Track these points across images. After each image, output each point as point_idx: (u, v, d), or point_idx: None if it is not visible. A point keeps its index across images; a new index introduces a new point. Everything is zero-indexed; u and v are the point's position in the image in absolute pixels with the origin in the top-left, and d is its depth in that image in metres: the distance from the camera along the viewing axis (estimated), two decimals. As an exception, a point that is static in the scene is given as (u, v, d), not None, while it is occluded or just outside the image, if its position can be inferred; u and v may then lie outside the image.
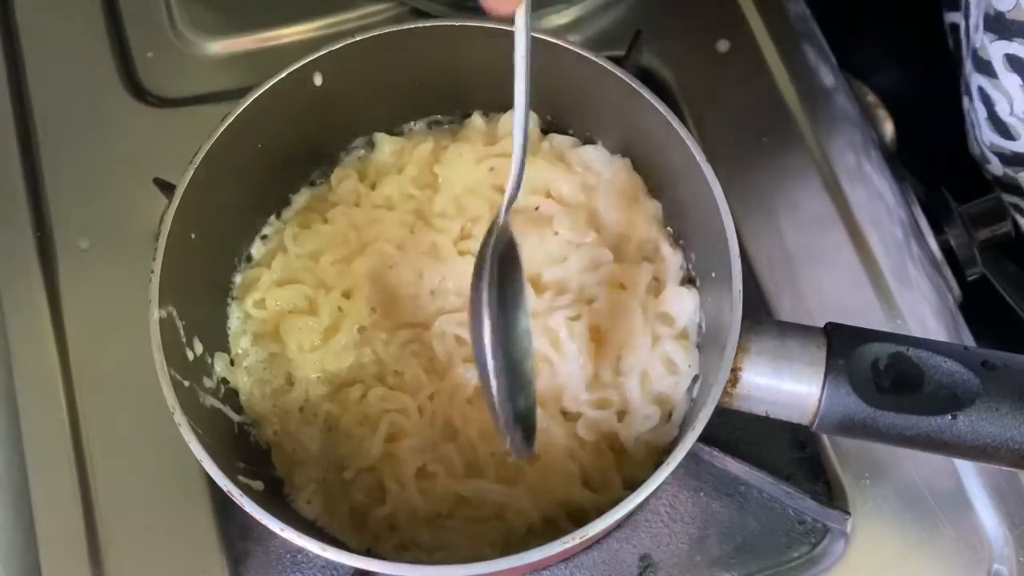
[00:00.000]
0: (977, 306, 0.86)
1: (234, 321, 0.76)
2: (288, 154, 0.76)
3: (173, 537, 0.77)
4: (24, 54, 0.93)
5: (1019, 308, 0.86)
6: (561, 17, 0.94)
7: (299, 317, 0.74)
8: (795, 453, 0.79)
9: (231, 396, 0.73)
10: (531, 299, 0.72)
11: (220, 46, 0.93)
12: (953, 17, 0.91)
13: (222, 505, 0.77)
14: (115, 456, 0.78)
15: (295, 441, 0.72)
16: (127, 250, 0.83)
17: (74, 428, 0.79)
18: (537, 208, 0.77)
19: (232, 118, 0.69)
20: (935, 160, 0.97)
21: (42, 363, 0.81)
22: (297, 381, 0.73)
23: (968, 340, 0.83)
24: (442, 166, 0.78)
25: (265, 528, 0.59)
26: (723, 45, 0.92)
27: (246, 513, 0.61)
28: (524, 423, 0.62)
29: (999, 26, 0.78)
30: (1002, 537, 0.76)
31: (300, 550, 0.76)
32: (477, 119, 0.81)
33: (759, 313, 0.81)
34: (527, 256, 0.74)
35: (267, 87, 0.70)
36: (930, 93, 0.97)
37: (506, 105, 0.80)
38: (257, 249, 0.78)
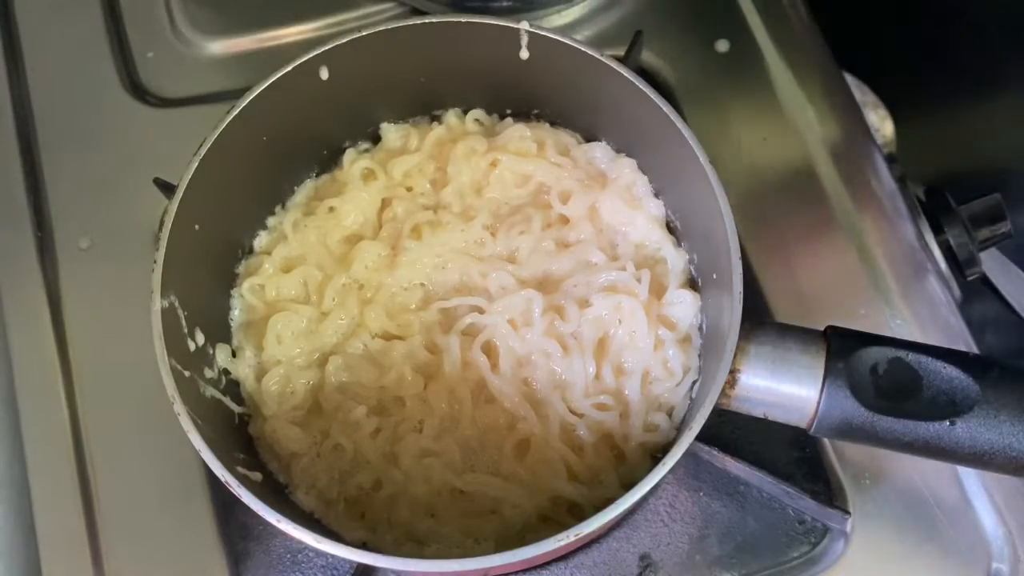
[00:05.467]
0: (977, 306, 0.86)
1: (237, 312, 0.76)
2: (294, 146, 0.77)
3: (173, 537, 0.77)
4: (24, 54, 0.93)
5: (1019, 308, 0.86)
6: (561, 17, 0.94)
7: (294, 305, 0.74)
8: (795, 453, 0.79)
9: (232, 387, 0.73)
10: (536, 299, 0.72)
11: (220, 46, 0.94)
12: None
13: (222, 505, 0.77)
14: (115, 456, 0.79)
15: (285, 427, 0.72)
16: (127, 250, 0.84)
17: (74, 428, 0.80)
18: (540, 206, 0.77)
19: (238, 109, 0.69)
20: (935, 160, 0.97)
21: (42, 363, 0.81)
22: (281, 365, 0.73)
23: (968, 340, 0.83)
24: (448, 160, 0.78)
25: (265, 528, 0.59)
26: (723, 45, 0.92)
27: (246, 513, 0.61)
28: None
29: None
30: (1002, 537, 0.77)
31: (300, 549, 0.76)
32: (480, 114, 0.81)
33: (759, 314, 0.81)
34: (528, 255, 0.75)
35: (274, 79, 0.70)
36: (930, 93, 0.97)
37: (508, 101, 0.80)
38: (260, 240, 0.78)
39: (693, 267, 0.75)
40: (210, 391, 0.70)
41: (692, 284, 0.75)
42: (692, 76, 0.91)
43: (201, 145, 0.68)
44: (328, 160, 0.81)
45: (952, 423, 0.59)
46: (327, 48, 0.71)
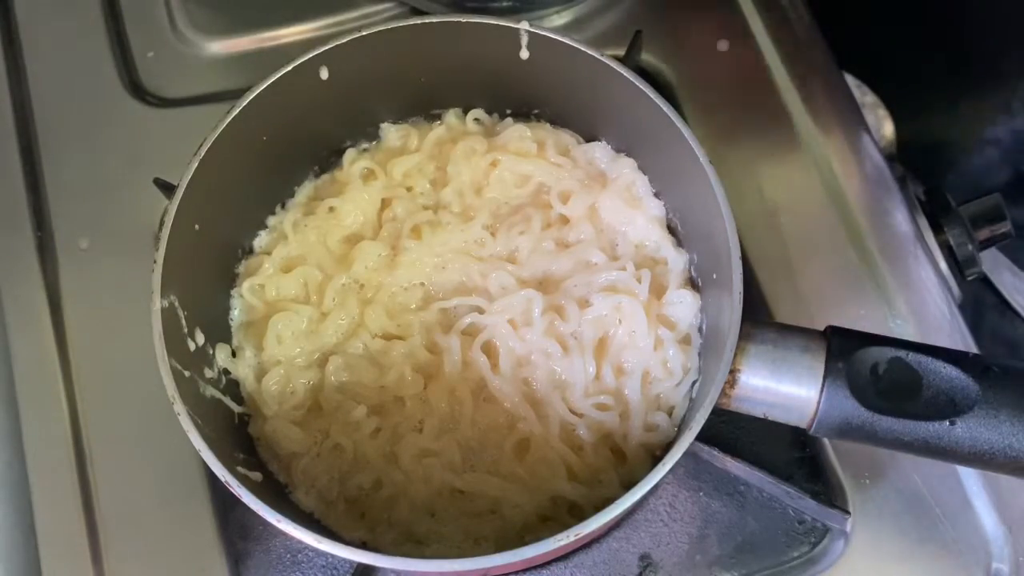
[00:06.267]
0: (977, 306, 0.86)
1: (237, 312, 0.76)
2: (294, 146, 0.77)
3: (173, 537, 0.77)
4: (24, 54, 0.93)
5: (1019, 308, 0.86)
6: (561, 17, 0.94)
7: (294, 305, 0.74)
8: (795, 453, 0.79)
9: (232, 387, 0.73)
10: (535, 299, 0.72)
11: (220, 46, 0.94)
12: None
13: (222, 505, 0.77)
14: (115, 456, 0.79)
15: (285, 427, 0.72)
16: (127, 250, 0.84)
17: (74, 428, 0.80)
18: (539, 206, 0.77)
19: (238, 109, 0.69)
20: (935, 160, 0.97)
21: (42, 363, 0.81)
22: (281, 365, 0.73)
23: (968, 340, 0.83)
24: (448, 160, 0.78)
25: (265, 527, 0.59)
26: (723, 45, 0.92)
27: (246, 513, 0.61)
28: None
29: None
30: (1002, 536, 0.77)
31: (300, 549, 0.76)
32: (481, 114, 0.81)
33: (759, 314, 0.81)
34: (528, 255, 0.75)
35: (274, 79, 0.70)
36: (930, 93, 0.97)
37: (508, 101, 0.80)
38: (260, 240, 0.78)
39: (693, 267, 0.75)
40: (210, 391, 0.70)
41: (692, 284, 0.74)
42: (692, 76, 0.91)
43: (201, 145, 0.68)
44: (328, 160, 0.81)
45: (952, 423, 0.59)
46: (327, 48, 0.71)
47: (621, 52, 0.83)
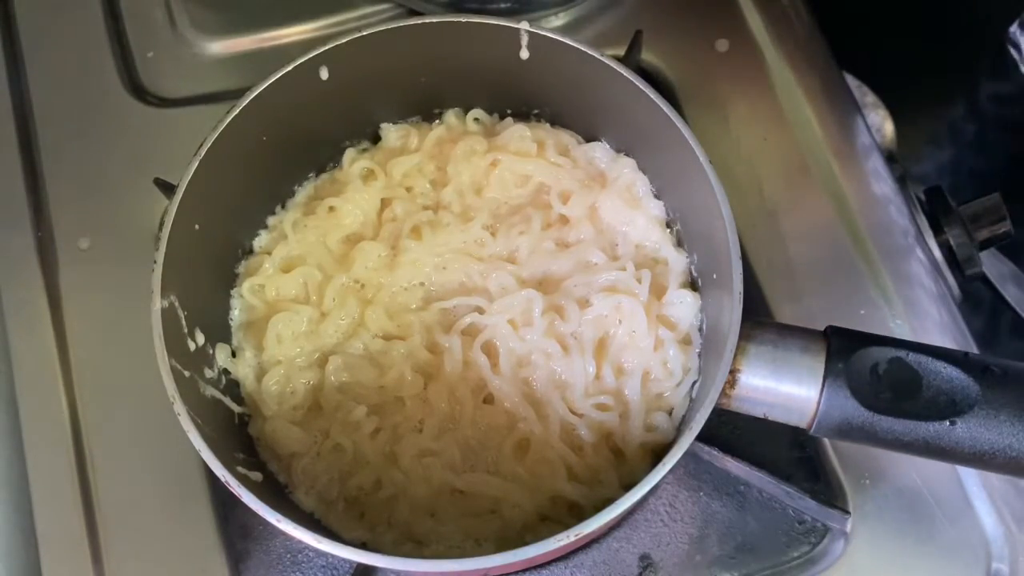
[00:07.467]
0: (977, 306, 0.86)
1: (237, 312, 0.76)
2: (294, 146, 0.77)
3: (173, 537, 0.77)
4: (24, 54, 0.93)
5: (1019, 308, 0.86)
6: (561, 17, 0.94)
7: (294, 305, 0.74)
8: (795, 453, 0.79)
9: (232, 387, 0.73)
10: (536, 299, 0.72)
11: (220, 46, 0.94)
12: None
13: (222, 505, 0.77)
14: (115, 456, 0.79)
15: (285, 427, 0.72)
16: (127, 250, 0.84)
17: (74, 428, 0.80)
18: (539, 206, 0.77)
19: (238, 109, 0.69)
20: (935, 160, 0.97)
21: (42, 363, 0.81)
22: (281, 365, 0.73)
23: (967, 340, 0.83)
24: (448, 160, 0.79)
25: (265, 528, 0.59)
26: (723, 45, 0.92)
27: (246, 513, 0.61)
28: None
29: None
30: (1002, 536, 0.77)
31: (300, 549, 0.76)
32: (481, 114, 0.81)
33: (759, 314, 0.81)
34: (528, 256, 0.75)
35: (274, 79, 0.70)
36: (930, 93, 0.97)
37: (508, 101, 0.80)
38: (260, 240, 0.78)
39: (693, 267, 0.75)
40: (210, 391, 0.70)
41: (692, 284, 0.75)
42: (692, 76, 0.91)
43: (201, 145, 0.68)
44: (328, 160, 0.81)
45: (952, 423, 0.59)
46: (327, 48, 0.71)
47: (621, 52, 0.84)
